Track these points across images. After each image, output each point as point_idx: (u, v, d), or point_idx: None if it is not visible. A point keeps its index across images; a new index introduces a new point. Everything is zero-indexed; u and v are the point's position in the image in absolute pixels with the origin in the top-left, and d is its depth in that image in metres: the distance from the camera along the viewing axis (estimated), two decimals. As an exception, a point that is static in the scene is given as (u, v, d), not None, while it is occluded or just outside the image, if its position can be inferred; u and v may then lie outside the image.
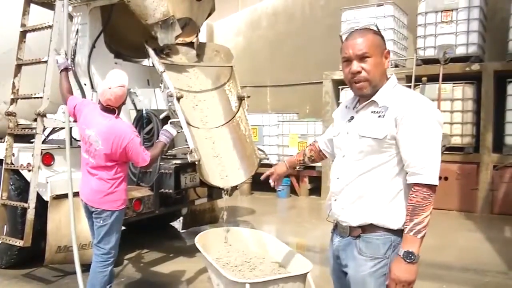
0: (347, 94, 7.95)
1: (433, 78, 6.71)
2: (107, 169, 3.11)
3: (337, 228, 1.99)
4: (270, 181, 2.45)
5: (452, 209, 6.88)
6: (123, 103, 3.20)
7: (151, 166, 3.31)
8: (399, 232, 1.79)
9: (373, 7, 7.72)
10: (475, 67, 7.06)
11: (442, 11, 7.27)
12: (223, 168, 4.12)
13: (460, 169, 7.06)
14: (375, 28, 1.89)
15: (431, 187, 1.70)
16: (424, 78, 6.95)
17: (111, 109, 3.12)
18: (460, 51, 7.15)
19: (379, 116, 1.78)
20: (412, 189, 1.72)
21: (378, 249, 1.80)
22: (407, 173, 1.76)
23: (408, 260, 1.69)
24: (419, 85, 7.11)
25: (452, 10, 7.21)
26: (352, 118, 1.91)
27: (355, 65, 1.80)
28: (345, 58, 1.85)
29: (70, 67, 3.74)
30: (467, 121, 7.15)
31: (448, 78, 6.94)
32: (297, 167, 2.49)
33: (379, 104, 1.80)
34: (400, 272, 1.71)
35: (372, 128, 1.78)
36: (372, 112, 1.82)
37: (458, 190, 6.96)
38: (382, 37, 1.86)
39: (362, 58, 1.79)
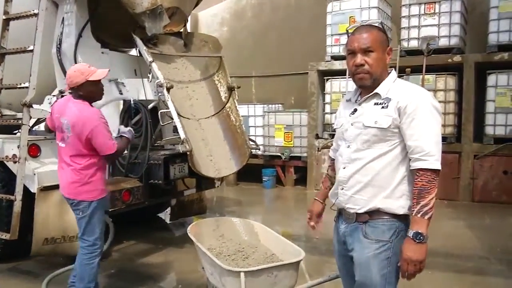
0: (332, 85, 8.01)
1: (416, 69, 6.80)
2: (80, 158, 3.09)
3: (341, 215, 2.08)
4: (311, 223, 2.36)
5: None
6: (95, 93, 3.17)
7: (117, 157, 3.27)
8: (403, 218, 1.91)
9: (358, -2, 7.75)
10: (457, 58, 7.20)
11: (425, 3, 7.37)
12: (214, 158, 4.12)
13: (443, 158, 7.12)
14: (380, 26, 1.98)
15: (435, 171, 1.81)
16: (408, 69, 7.03)
17: (79, 95, 3.11)
18: (443, 42, 7.26)
19: (383, 107, 1.89)
20: (417, 173, 1.82)
21: (383, 233, 1.90)
22: (410, 159, 1.85)
23: (417, 240, 1.79)
24: (403, 75, 7.20)
25: (435, 2, 7.32)
26: (355, 110, 2.00)
27: (359, 58, 1.91)
28: (350, 51, 1.96)
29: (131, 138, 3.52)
30: (449, 111, 7.29)
31: (431, 69, 7.05)
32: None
33: (382, 96, 1.92)
34: (411, 252, 1.80)
35: (376, 118, 1.89)
36: (375, 104, 1.93)
37: (441, 178, 6.88)
38: (386, 35, 1.97)
39: (366, 52, 1.90)
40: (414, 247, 1.80)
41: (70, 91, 3.14)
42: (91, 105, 3.17)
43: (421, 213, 1.79)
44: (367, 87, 1.95)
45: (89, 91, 3.11)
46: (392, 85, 1.93)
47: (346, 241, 2.03)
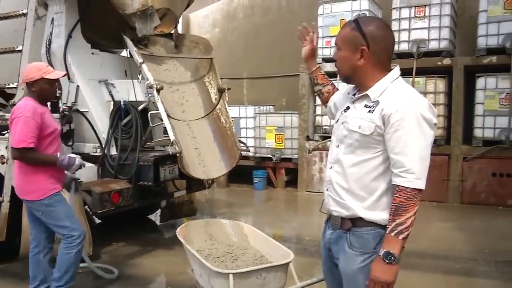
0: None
1: (406, 72, 6.84)
2: None
3: (330, 219, 1.97)
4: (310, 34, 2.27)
5: (424, 199, 7.01)
6: (48, 92, 3.13)
7: (23, 158, 3.00)
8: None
9: (349, 1, 7.79)
10: (447, 61, 7.26)
11: (415, 7, 7.43)
12: (204, 160, 4.12)
13: (432, 160, 7.15)
14: (353, 22, 1.83)
15: (416, 189, 1.67)
16: (398, 72, 7.10)
17: (32, 91, 3.09)
18: (433, 45, 7.32)
19: (369, 111, 1.76)
20: (397, 188, 1.69)
21: (368, 243, 1.78)
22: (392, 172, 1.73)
23: (387, 261, 1.67)
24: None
25: (425, 5, 7.38)
26: (347, 108, 1.89)
27: (334, 52, 1.91)
28: None
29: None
30: (439, 113, 7.33)
31: (421, 71, 7.11)
32: (311, 72, 2.30)
33: (372, 98, 1.78)
34: (379, 273, 1.69)
35: (361, 123, 1.77)
36: (365, 106, 1.80)
37: (430, 181, 6.85)
38: (362, 33, 1.77)
39: (337, 48, 1.88)
40: (383, 268, 1.67)
41: (22, 87, 3.13)
42: (45, 105, 3.12)
43: (395, 232, 1.66)
44: (361, 85, 1.84)
45: (43, 89, 3.08)
46: (389, 86, 1.77)
47: (331, 248, 1.95)
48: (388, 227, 1.70)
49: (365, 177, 1.78)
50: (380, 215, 1.77)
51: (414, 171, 1.66)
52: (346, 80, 1.91)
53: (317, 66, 2.31)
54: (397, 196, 1.68)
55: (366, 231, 1.79)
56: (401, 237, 1.67)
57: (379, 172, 1.77)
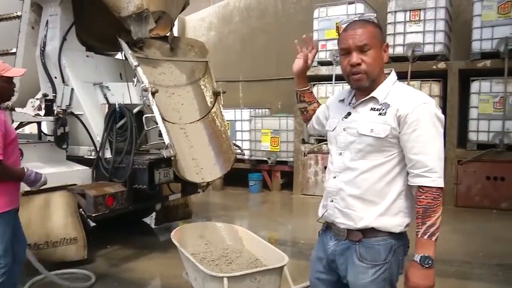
0: (319, 90, 8.05)
1: (402, 76, 6.87)
2: None
3: (330, 230, 1.89)
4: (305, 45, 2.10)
5: (419, 203, 7.08)
6: (6, 90, 2.88)
7: None
8: (399, 235, 1.75)
9: (344, 5, 7.84)
10: (441, 65, 7.30)
11: (410, 10, 7.47)
12: (199, 163, 4.12)
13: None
14: (375, 21, 1.84)
15: (440, 188, 1.66)
16: (393, 75, 7.12)
17: None
18: (427, 49, 7.36)
19: (380, 114, 1.71)
20: (420, 190, 1.66)
21: (379, 254, 1.73)
22: (409, 173, 1.70)
23: (425, 266, 1.62)
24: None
25: (420, 9, 7.43)
26: (349, 114, 1.83)
27: (355, 57, 1.72)
28: (344, 50, 1.76)
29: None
30: (434, 117, 7.36)
31: (416, 75, 7.15)
32: (299, 90, 2.21)
33: (380, 100, 1.74)
34: (418, 279, 1.63)
35: (372, 126, 1.71)
36: (371, 109, 1.75)
37: None
38: (381, 30, 1.80)
39: (362, 49, 1.71)
40: (422, 273, 1.62)
41: None
42: (1, 109, 2.87)
43: (427, 234, 1.62)
44: (364, 88, 1.76)
45: (1, 88, 2.82)
46: (391, 88, 1.75)
47: (335, 260, 1.84)
48: (418, 231, 1.65)
49: (379, 182, 1.73)
50: (393, 221, 1.73)
51: (437, 170, 1.65)
52: (369, 83, 1.75)
53: (309, 86, 2.23)
54: (423, 198, 1.65)
55: (376, 241, 1.74)
56: (433, 238, 1.63)
57: (393, 175, 1.73)
